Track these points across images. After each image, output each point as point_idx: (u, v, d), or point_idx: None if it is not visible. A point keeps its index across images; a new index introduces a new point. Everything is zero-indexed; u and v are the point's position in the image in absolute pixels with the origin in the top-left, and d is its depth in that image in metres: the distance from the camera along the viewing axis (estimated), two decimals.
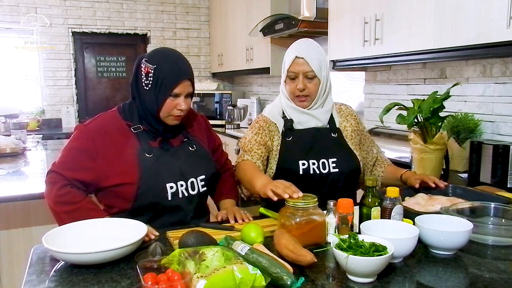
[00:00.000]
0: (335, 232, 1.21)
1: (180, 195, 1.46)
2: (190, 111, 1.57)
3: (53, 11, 4.90)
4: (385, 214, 1.25)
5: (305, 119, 1.67)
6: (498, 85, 2.25)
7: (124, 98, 3.49)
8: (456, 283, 1.02)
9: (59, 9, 4.93)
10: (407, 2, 2.31)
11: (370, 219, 1.24)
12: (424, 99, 1.92)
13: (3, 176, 2.36)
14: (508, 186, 1.84)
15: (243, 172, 1.56)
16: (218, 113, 5.03)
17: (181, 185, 1.47)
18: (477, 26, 1.89)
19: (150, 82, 1.41)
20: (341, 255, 0.98)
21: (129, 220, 1.28)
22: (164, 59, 1.42)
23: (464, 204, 1.40)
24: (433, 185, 1.52)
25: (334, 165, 1.63)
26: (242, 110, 4.74)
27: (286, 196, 1.23)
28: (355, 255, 0.98)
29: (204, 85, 5.18)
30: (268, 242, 1.19)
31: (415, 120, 1.91)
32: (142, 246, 1.16)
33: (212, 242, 1.14)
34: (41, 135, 3.95)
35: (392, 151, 2.49)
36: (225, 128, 4.63)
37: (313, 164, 1.61)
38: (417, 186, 1.54)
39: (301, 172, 1.60)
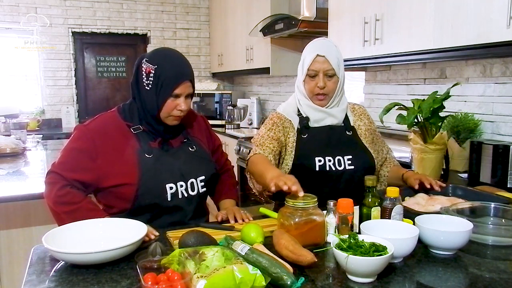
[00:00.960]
0: (335, 232, 1.21)
1: (180, 196, 1.46)
2: (190, 111, 1.57)
3: (53, 11, 4.90)
4: (385, 214, 1.25)
5: (321, 117, 1.68)
6: (498, 85, 2.25)
7: (124, 98, 3.51)
8: (456, 283, 1.02)
9: (59, 9, 4.92)
10: (407, 2, 2.31)
11: (370, 219, 1.24)
12: (424, 99, 1.92)
13: (3, 176, 2.36)
14: (508, 186, 1.84)
15: (255, 165, 1.54)
16: (218, 113, 5.03)
17: (181, 186, 1.47)
18: (477, 26, 1.89)
19: (151, 82, 1.41)
20: (341, 255, 0.99)
21: (129, 220, 1.28)
22: (165, 60, 1.42)
23: (464, 204, 1.40)
24: (429, 186, 1.52)
25: (349, 162, 1.64)
26: (242, 110, 4.74)
27: (285, 188, 1.22)
28: (355, 255, 0.98)
29: (204, 85, 5.18)
30: (268, 242, 1.19)
31: (415, 120, 1.91)
32: (142, 246, 1.16)
33: (212, 242, 1.14)
34: (41, 135, 3.95)
35: (392, 151, 2.49)
36: (225, 128, 4.63)
37: (329, 161, 1.62)
38: (416, 187, 1.54)
39: (317, 169, 1.60)
